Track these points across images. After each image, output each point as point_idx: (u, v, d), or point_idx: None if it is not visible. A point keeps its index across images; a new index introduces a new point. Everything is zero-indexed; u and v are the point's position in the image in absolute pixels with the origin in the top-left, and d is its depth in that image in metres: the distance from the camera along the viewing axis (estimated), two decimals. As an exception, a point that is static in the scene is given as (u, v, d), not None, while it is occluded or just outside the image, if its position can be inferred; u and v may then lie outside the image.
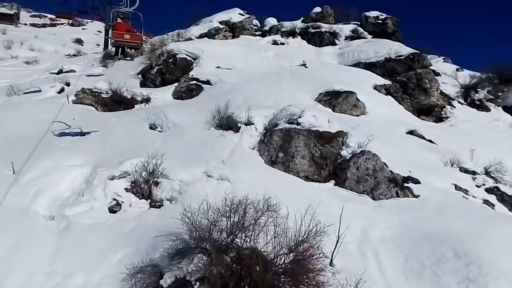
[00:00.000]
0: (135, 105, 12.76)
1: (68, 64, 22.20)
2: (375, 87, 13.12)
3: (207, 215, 4.74)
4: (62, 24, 56.16)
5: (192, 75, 13.79)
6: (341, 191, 7.02)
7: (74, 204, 6.55)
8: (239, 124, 8.86)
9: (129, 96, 12.87)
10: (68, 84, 15.80)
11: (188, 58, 14.92)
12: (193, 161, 7.49)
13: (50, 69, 22.83)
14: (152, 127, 9.72)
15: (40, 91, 13.71)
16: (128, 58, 22.02)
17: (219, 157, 7.61)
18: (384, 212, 6.44)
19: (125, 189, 6.98)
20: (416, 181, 7.20)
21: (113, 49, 24.00)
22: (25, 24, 54.70)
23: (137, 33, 22.84)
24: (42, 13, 61.79)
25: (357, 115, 10.82)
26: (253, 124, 8.79)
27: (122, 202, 6.72)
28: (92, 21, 51.35)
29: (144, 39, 23.73)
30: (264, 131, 8.64)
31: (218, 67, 14.30)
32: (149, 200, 6.84)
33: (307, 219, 4.70)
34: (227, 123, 8.83)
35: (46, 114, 10.96)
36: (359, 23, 19.86)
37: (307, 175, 7.31)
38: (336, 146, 7.61)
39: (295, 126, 7.97)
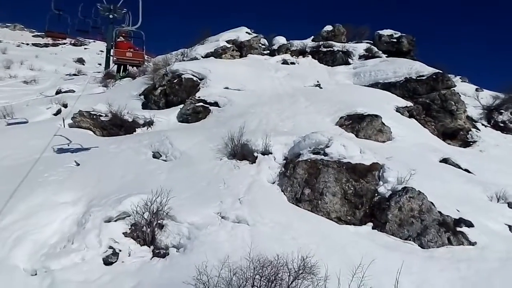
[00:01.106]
0: (136, 129, 11.71)
1: (67, 84, 21.33)
2: (397, 109, 12.08)
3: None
4: (64, 44, 55.85)
5: (199, 97, 12.78)
6: (381, 236, 5.88)
7: (62, 254, 5.41)
8: (255, 154, 7.76)
9: (130, 119, 11.83)
10: (65, 106, 14.80)
11: (194, 78, 13.94)
12: (204, 198, 6.38)
13: (49, 88, 22.01)
14: (156, 155, 8.63)
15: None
16: (129, 78, 21.80)
17: (235, 194, 6.49)
18: (439, 265, 5.28)
19: (123, 233, 5.85)
20: (469, 224, 6.05)
21: (115, 68, 23.85)
22: (27, 44, 54.42)
23: (139, 51, 22.69)
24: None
25: (383, 141, 9.73)
26: (271, 153, 7.70)
27: (120, 250, 5.58)
28: (94, 41, 51.00)
29: (146, 58, 23.60)
30: (284, 161, 7.54)
31: (227, 88, 13.29)
32: (152, 247, 5.71)
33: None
34: (242, 152, 7.73)
35: (38, 140, 9.90)
36: (371, 41, 18.99)
37: (340, 216, 6.18)
38: (372, 181, 6.49)
39: (322, 157, 6.87)
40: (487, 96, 16.75)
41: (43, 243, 5.65)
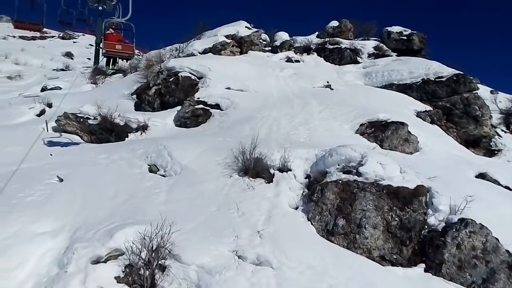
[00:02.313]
0: (129, 134, 10.45)
1: (53, 81, 19.89)
2: (418, 115, 10.97)
3: None
4: (53, 37, 54.00)
5: (198, 98, 11.53)
6: (438, 282, 4.73)
7: (36, 310, 4.21)
8: (271, 170, 6.57)
9: (122, 123, 10.55)
10: (50, 106, 13.44)
11: (193, 77, 12.67)
12: (215, 230, 5.18)
13: (34, 84, 20.56)
14: (153, 169, 7.39)
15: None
16: (118, 70, 21.15)
17: (252, 224, 5.30)
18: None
19: (115, 278, 4.64)
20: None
21: (104, 61, 22.98)
22: (14, 37, 52.47)
23: (129, 43, 21.81)
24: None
25: (410, 152, 8.61)
26: (290, 170, 6.51)
27: (111, 302, 4.39)
28: (83, 34, 49.20)
29: (137, 52, 22.68)
30: (307, 180, 6.37)
31: (228, 88, 12.06)
32: (152, 296, 4.53)
33: None
34: (255, 169, 6.52)
35: (16, 147, 8.64)
36: (378, 39, 17.87)
37: (383, 254, 5.02)
38: (419, 209, 5.34)
39: (356, 177, 5.69)
40: (504, 100, 15.73)
41: (12, 293, 4.43)
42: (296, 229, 5.36)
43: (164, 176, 7.07)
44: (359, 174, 5.75)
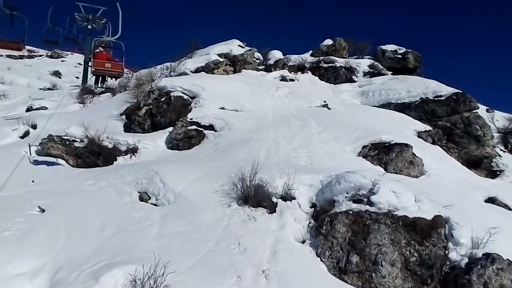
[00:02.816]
0: (118, 157, 9.86)
1: (39, 100, 19.27)
2: (419, 135, 10.60)
3: None
4: (41, 56, 53.43)
5: (191, 118, 11.05)
6: (466, 328, 4.23)
7: None
8: (273, 198, 6.06)
9: (110, 145, 9.97)
10: (34, 127, 12.87)
11: (185, 96, 12.21)
12: (215, 270, 4.62)
13: (19, 104, 19.94)
14: (144, 197, 6.84)
15: None
16: (107, 88, 21.12)
17: (256, 262, 4.76)
18: None
19: (102, 330, 4.07)
20: None
21: (93, 80, 23.06)
22: (1, 56, 51.80)
23: (119, 62, 22.59)
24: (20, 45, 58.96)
25: (416, 176, 8.18)
26: (294, 198, 6.01)
27: None
28: (72, 53, 48.75)
29: (126, 71, 22.73)
30: (312, 209, 5.87)
31: (223, 108, 11.61)
32: None
33: None
34: (256, 197, 6.01)
35: (-4, 172, 8.06)
36: (373, 57, 17.63)
37: (403, 295, 4.51)
38: (439, 243, 4.85)
39: (368, 207, 5.22)
40: (501, 118, 15.53)
41: None
42: (305, 267, 4.83)
43: (156, 205, 6.52)
44: (371, 203, 5.27)
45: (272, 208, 5.86)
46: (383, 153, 8.33)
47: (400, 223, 4.95)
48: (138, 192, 6.98)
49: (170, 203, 6.43)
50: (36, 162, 9.34)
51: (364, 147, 8.57)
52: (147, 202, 6.69)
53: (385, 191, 5.32)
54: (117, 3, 24.62)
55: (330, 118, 10.53)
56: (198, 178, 7.01)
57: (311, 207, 5.94)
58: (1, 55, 52.01)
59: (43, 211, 6.40)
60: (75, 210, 6.39)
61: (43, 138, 9.99)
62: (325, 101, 12.62)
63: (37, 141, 10.28)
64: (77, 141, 9.93)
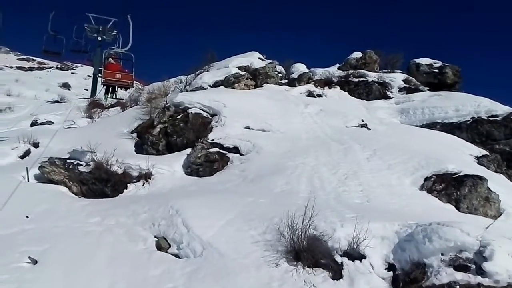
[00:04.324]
0: (128, 185, 8.46)
1: (45, 114, 18.02)
2: (480, 161, 9.07)
3: None
4: (51, 67, 52.95)
5: (212, 139, 9.65)
6: None
7: None
8: (334, 255, 4.56)
9: (120, 171, 8.59)
10: (36, 145, 11.53)
11: (205, 114, 10.82)
12: None
13: (25, 118, 18.72)
14: (162, 244, 5.39)
15: None
16: (117, 99, 21.12)
17: None
18: None
19: None
20: None
21: (103, 91, 22.94)
22: (11, 67, 51.31)
23: (129, 73, 22.75)
24: (31, 57, 58.72)
25: (494, 216, 6.60)
26: (364, 257, 4.50)
27: None
28: (82, 65, 48.16)
29: (137, 84, 22.44)
30: (390, 273, 4.35)
31: (248, 128, 10.20)
32: None
33: None
34: (311, 253, 4.51)
35: (-16, 202, 6.68)
36: (405, 71, 16.17)
37: None
38: None
39: (479, 278, 3.70)
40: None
41: None
42: None
43: (179, 257, 5.05)
44: (482, 272, 3.75)
45: (336, 271, 4.35)
46: (452, 187, 6.79)
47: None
48: (155, 237, 5.56)
49: (197, 256, 4.95)
50: (34, 190, 7.98)
51: (426, 179, 7.04)
52: (166, 252, 5.25)
53: (501, 255, 3.80)
54: (128, 16, 24.29)
55: (377, 142, 9.02)
56: (231, 221, 5.53)
57: (387, 269, 4.42)
58: (11, 67, 51.59)
59: (36, 262, 4.99)
60: (75, 262, 4.98)
61: (43, 161, 8.65)
62: (362, 120, 11.13)
63: (37, 163, 8.94)
64: (82, 165, 8.58)
